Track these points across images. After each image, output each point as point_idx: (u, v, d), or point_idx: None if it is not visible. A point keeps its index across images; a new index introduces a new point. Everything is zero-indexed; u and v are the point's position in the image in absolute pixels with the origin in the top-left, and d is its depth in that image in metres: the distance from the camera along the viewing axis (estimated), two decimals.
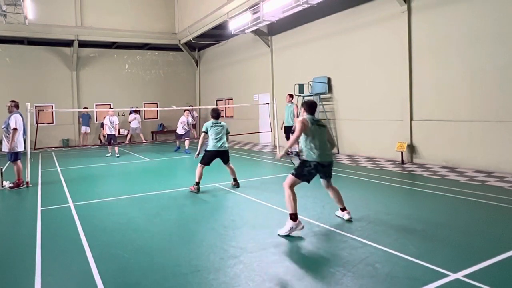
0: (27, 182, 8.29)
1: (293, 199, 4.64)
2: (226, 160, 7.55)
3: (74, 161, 12.62)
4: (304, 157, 4.92)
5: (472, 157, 8.40)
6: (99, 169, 10.87)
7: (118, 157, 13.17)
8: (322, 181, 5.18)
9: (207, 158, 7.40)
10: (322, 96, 12.28)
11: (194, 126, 19.87)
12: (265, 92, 15.89)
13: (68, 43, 18.61)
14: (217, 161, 7.46)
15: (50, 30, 17.28)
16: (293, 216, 4.58)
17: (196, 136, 20.38)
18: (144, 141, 18.48)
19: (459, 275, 3.36)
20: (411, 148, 9.69)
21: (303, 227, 4.63)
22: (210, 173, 9.43)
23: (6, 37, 16.89)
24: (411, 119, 9.68)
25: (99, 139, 18.84)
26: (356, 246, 4.13)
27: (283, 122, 12.26)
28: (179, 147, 14.85)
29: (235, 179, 7.59)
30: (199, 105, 21.61)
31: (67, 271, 3.80)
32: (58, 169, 10.85)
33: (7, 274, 3.77)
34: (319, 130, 4.97)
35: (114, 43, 19.49)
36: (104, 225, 5.29)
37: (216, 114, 7.49)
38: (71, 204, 6.55)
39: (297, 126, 4.91)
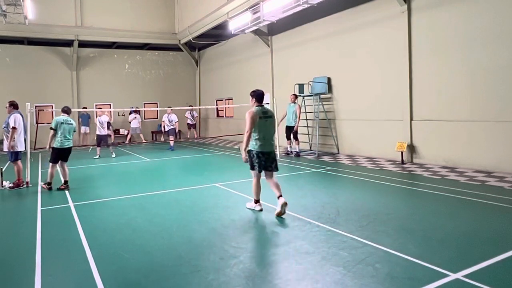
0: (27, 182, 8.29)
1: (255, 187, 5.64)
2: (66, 159, 7.83)
3: (74, 161, 12.60)
4: (249, 148, 5.49)
5: (472, 157, 8.39)
6: (99, 169, 10.87)
7: (96, 158, 12.78)
8: (265, 172, 5.57)
9: (56, 156, 7.64)
10: (322, 96, 12.27)
11: (194, 126, 19.93)
12: (265, 92, 15.85)
13: (68, 43, 18.61)
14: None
15: (50, 30, 17.27)
16: (256, 201, 5.71)
17: (196, 136, 20.45)
18: (144, 141, 18.49)
19: (459, 275, 3.36)
20: (411, 148, 9.69)
21: (261, 209, 5.65)
22: (210, 173, 9.43)
23: (6, 37, 16.88)
24: (411, 119, 9.68)
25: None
26: (356, 246, 4.13)
27: (283, 118, 12.23)
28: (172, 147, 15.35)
29: (65, 182, 7.82)
30: (199, 105, 21.61)
31: (67, 271, 3.80)
32: (58, 169, 10.84)
33: (7, 274, 3.77)
34: (265, 123, 5.42)
35: (114, 43, 19.48)
36: (104, 225, 5.29)
37: (68, 109, 7.81)
38: (71, 204, 6.55)
39: (247, 121, 5.34)
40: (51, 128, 7.68)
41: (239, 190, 7.20)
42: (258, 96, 5.54)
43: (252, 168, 5.55)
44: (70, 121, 7.79)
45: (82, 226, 5.18)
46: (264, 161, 5.43)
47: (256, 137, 5.41)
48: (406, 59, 9.65)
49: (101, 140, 13.16)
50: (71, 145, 7.82)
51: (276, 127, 5.52)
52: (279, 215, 5.31)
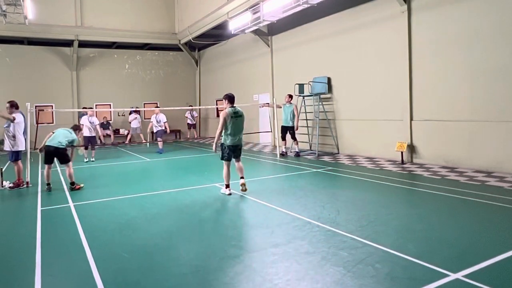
0: (27, 182, 8.29)
1: (226, 175, 6.79)
2: (60, 161, 7.98)
3: (74, 161, 12.58)
4: (221, 141, 6.72)
5: (472, 157, 8.39)
6: (99, 169, 10.87)
7: (93, 161, 12.29)
8: (234, 159, 6.86)
9: (44, 157, 7.96)
10: (322, 96, 12.27)
11: (194, 126, 19.94)
12: (265, 92, 15.89)
13: (68, 43, 18.61)
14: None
15: (50, 30, 17.27)
16: (226, 186, 6.82)
17: (196, 136, 20.46)
18: (144, 141, 18.48)
19: (459, 275, 3.36)
20: (411, 148, 9.69)
21: (230, 194, 6.76)
22: (210, 173, 9.42)
23: (6, 37, 16.88)
24: (411, 119, 9.67)
25: (99, 139, 18.81)
26: (356, 246, 4.13)
27: (275, 106, 12.23)
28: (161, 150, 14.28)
29: (71, 183, 7.87)
30: (199, 105, 21.62)
31: (67, 271, 3.80)
32: (58, 169, 10.85)
33: (7, 274, 3.77)
34: (235, 121, 6.59)
35: (114, 43, 19.49)
36: (104, 225, 5.29)
37: (76, 127, 8.49)
38: (71, 204, 6.55)
39: (220, 120, 6.54)
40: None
41: (239, 190, 7.19)
42: (230, 98, 6.69)
43: (223, 158, 6.79)
44: (69, 130, 8.11)
45: (82, 226, 5.18)
46: (232, 152, 6.71)
47: (228, 133, 6.61)
48: (406, 59, 9.64)
49: (90, 142, 12.31)
50: (55, 146, 7.68)
51: (241, 125, 6.79)
52: (243, 191, 6.79)
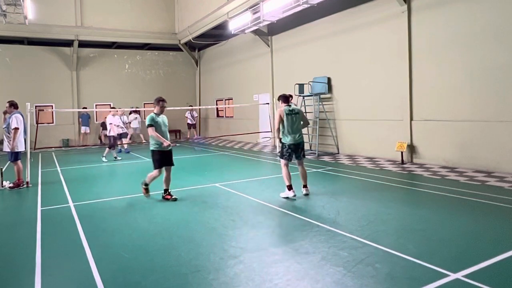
0: (27, 182, 8.29)
1: (286, 175, 6.46)
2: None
3: (74, 161, 12.61)
4: (282, 141, 6.60)
5: (472, 157, 8.39)
6: (99, 169, 10.87)
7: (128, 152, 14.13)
8: (297, 161, 6.71)
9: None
10: (322, 96, 12.27)
11: (194, 126, 19.96)
12: (265, 92, 15.89)
13: (68, 43, 18.61)
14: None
15: (50, 30, 17.28)
16: (289, 187, 6.41)
17: (196, 135, 20.46)
18: (144, 141, 18.46)
19: (459, 275, 3.36)
20: (411, 148, 9.69)
21: (295, 195, 6.37)
22: (210, 173, 9.43)
23: (6, 37, 16.89)
24: (411, 119, 9.67)
25: (99, 139, 18.82)
26: (356, 246, 4.13)
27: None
28: (120, 150, 13.60)
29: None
30: (199, 105, 21.61)
31: (67, 271, 3.80)
32: (58, 169, 10.85)
33: (8, 274, 3.77)
34: (292, 118, 6.52)
35: (114, 43, 19.49)
36: (104, 225, 5.29)
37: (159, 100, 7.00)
38: (71, 204, 6.55)
39: (276, 118, 6.58)
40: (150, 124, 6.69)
41: (239, 190, 7.20)
42: (284, 98, 6.69)
43: (283, 156, 6.60)
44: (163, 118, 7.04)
45: (82, 226, 5.18)
46: (294, 152, 6.55)
47: (284, 132, 6.54)
48: (406, 59, 9.65)
49: (121, 137, 13.25)
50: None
51: (298, 123, 6.57)
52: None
